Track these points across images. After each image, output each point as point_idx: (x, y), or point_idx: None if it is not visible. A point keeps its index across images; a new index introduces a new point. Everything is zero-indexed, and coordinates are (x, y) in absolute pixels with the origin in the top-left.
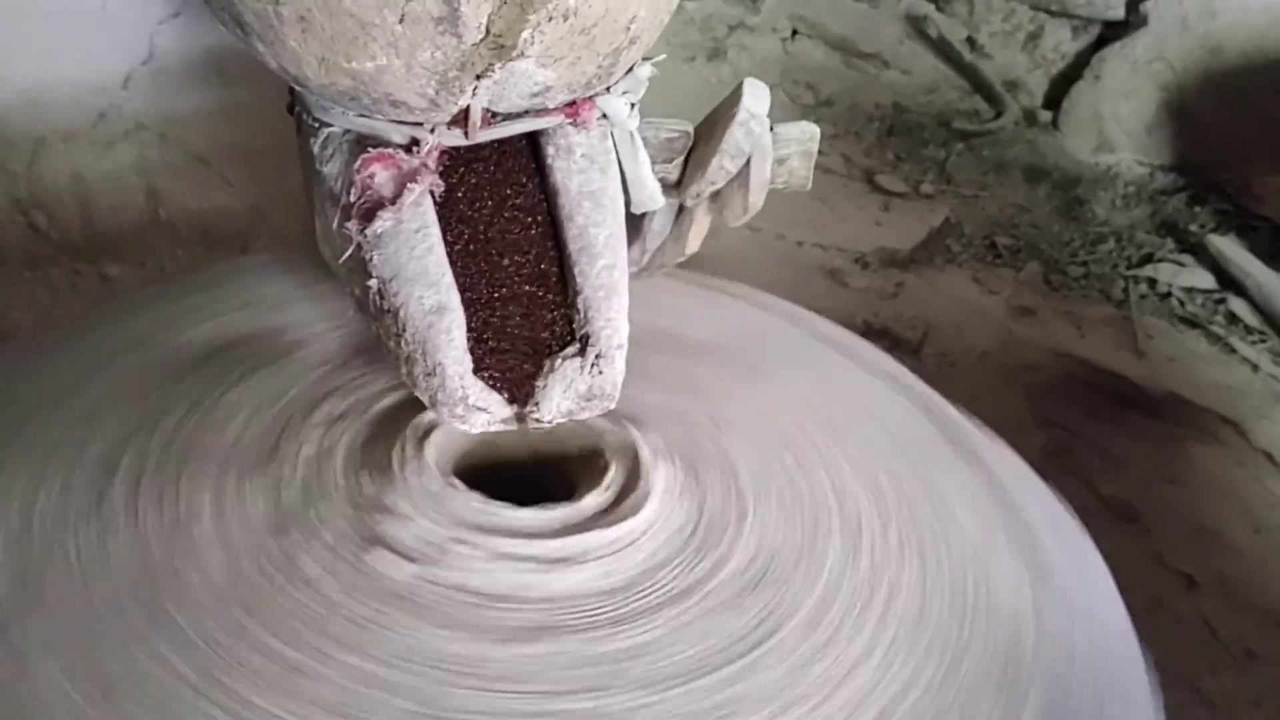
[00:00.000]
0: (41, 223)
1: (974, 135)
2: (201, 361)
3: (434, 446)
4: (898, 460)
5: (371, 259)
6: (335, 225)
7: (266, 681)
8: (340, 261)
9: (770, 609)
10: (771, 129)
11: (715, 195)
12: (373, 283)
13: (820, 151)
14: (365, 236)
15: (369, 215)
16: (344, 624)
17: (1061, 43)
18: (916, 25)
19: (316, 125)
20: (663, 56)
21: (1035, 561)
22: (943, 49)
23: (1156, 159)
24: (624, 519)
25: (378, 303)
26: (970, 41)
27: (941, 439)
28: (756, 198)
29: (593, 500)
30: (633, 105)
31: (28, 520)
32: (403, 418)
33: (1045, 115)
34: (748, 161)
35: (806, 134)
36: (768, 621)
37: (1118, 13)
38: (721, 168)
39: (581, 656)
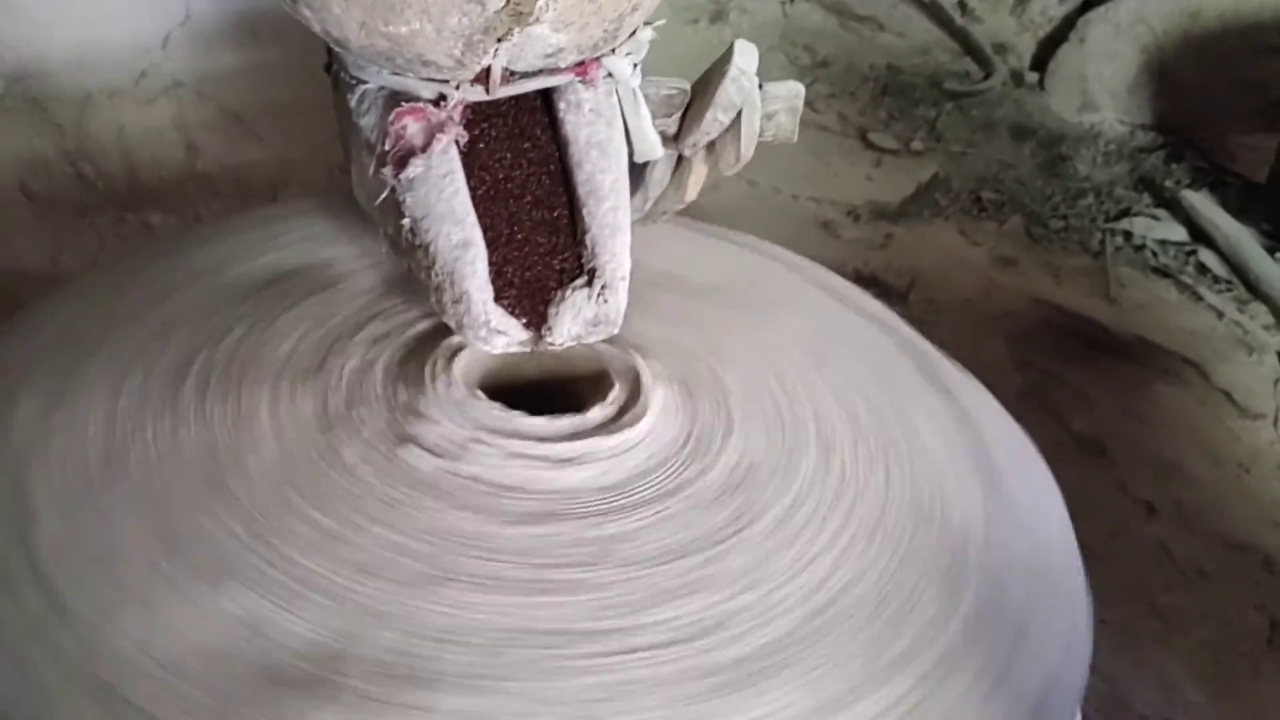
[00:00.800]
0: (89, 173)
1: (963, 95)
2: (261, 288)
3: (461, 364)
4: (875, 390)
5: (404, 201)
6: (371, 172)
7: (308, 545)
8: (375, 204)
9: (744, 509)
10: (761, 87)
11: (710, 146)
12: (406, 222)
13: (816, 110)
14: (399, 181)
15: (402, 162)
16: (376, 503)
17: (1048, 7)
18: None
19: (354, 83)
20: (663, 21)
21: (991, 482)
22: (935, 13)
23: (1137, 118)
24: (623, 429)
25: (410, 240)
26: (961, 6)
27: (919, 374)
28: (747, 148)
29: (597, 413)
30: (635, 65)
31: (112, 412)
32: (433, 341)
33: (1032, 76)
34: (739, 115)
35: (793, 91)
36: (741, 518)
37: None
38: (715, 120)
39: (576, 538)
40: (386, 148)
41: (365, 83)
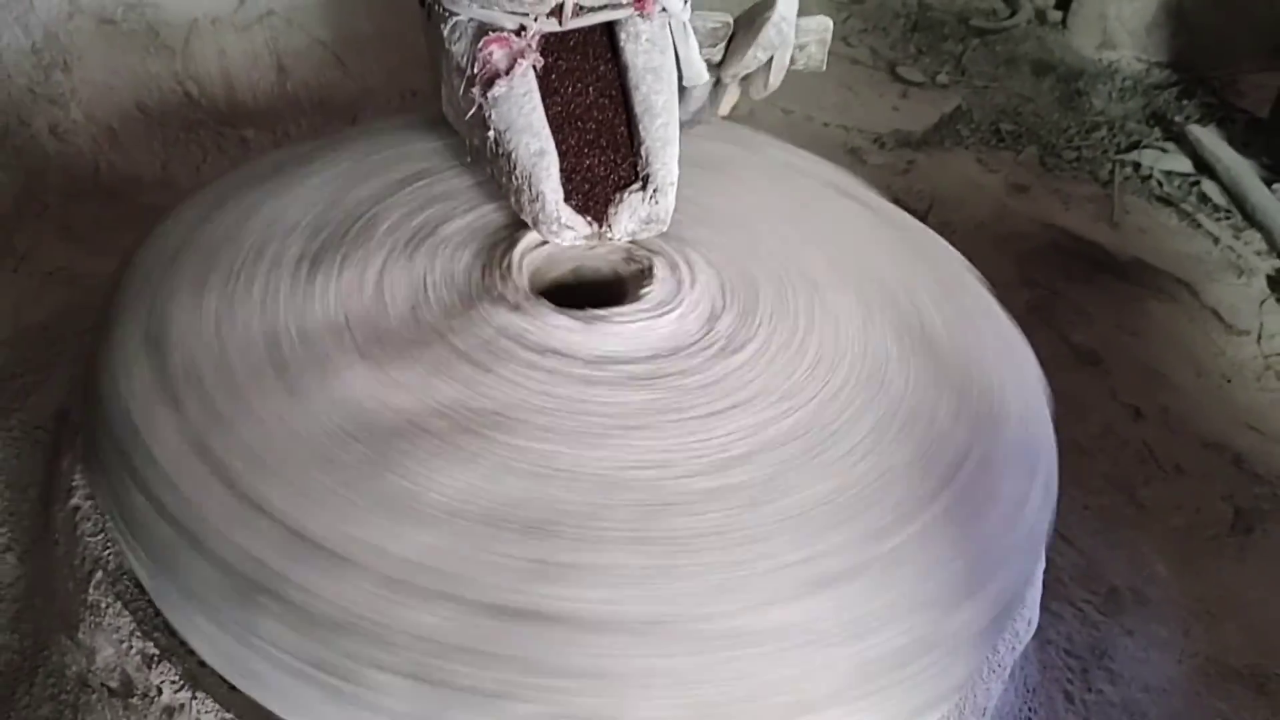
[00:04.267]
0: (194, 91)
1: (989, 32)
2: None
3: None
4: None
5: (490, 116)
6: (461, 92)
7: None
8: (465, 119)
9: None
10: (795, 21)
11: (745, 75)
12: (490, 134)
13: (849, 44)
14: (485, 99)
15: (489, 83)
16: (460, 323)
17: None
18: None
19: (447, 15)
20: None
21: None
22: None
23: (1153, 56)
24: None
25: (494, 149)
26: None
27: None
28: (776, 79)
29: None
30: (685, 2)
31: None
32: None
33: (1055, 15)
34: (777, 49)
35: (823, 25)
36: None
37: None
38: (755, 57)
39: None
40: (475, 71)
41: (457, 15)
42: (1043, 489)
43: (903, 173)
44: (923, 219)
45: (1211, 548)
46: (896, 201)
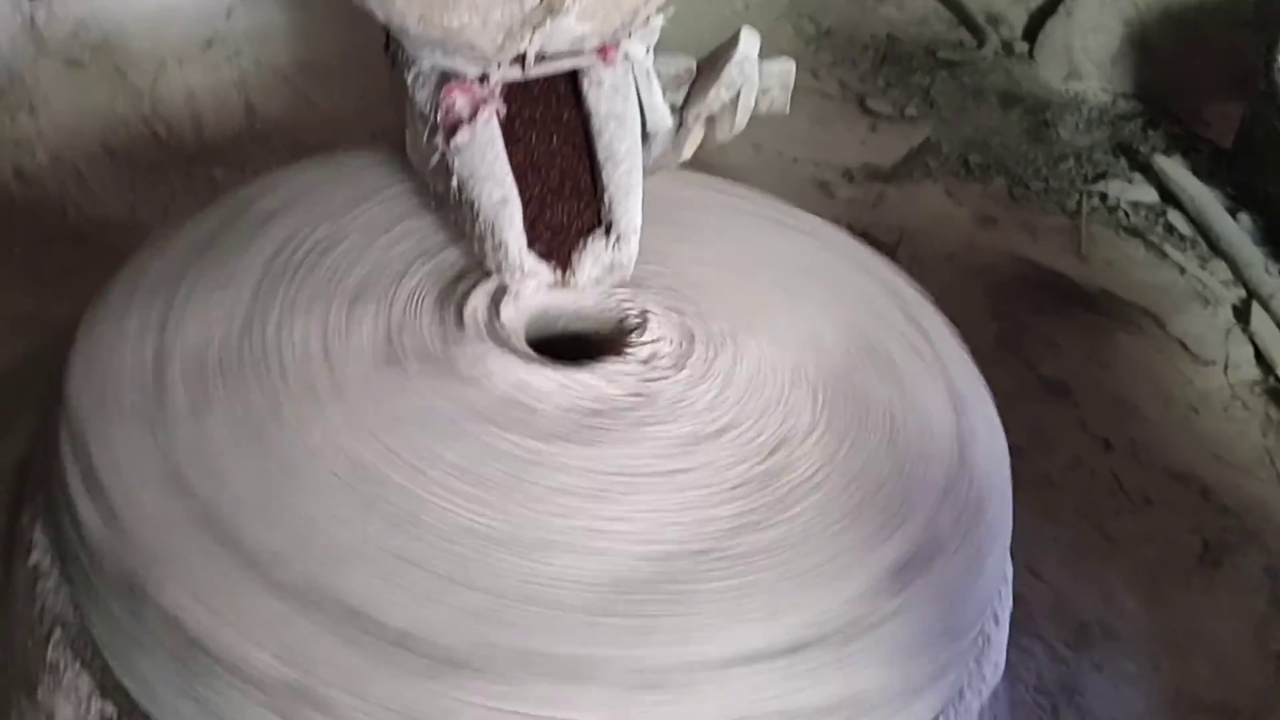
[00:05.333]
0: (162, 132)
1: (957, 64)
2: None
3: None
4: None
5: (453, 164)
6: (425, 139)
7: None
8: (429, 167)
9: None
10: (759, 64)
11: (710, 116)
12: (454, 181)
13: (818, 78)
14: (449, 147)
15: (452, 130)
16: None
17: None
18: None
19: (410, 62)
20: (672, 10)
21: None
22: None
23: (1119, 87)
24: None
25: (457, 196)
26: None
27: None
28: (742, 120)
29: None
30: (649, 48)
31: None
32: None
33: (1022, 46)
34: (739, 91)
35: (786, 69)
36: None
37: None
38: (719, 98)
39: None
40: (438, 118)
41: (420, 63)
42: (999, 549)
43: (872, 206)
44: (892, 252)
45: (1179, 580)
46: (865, 235)
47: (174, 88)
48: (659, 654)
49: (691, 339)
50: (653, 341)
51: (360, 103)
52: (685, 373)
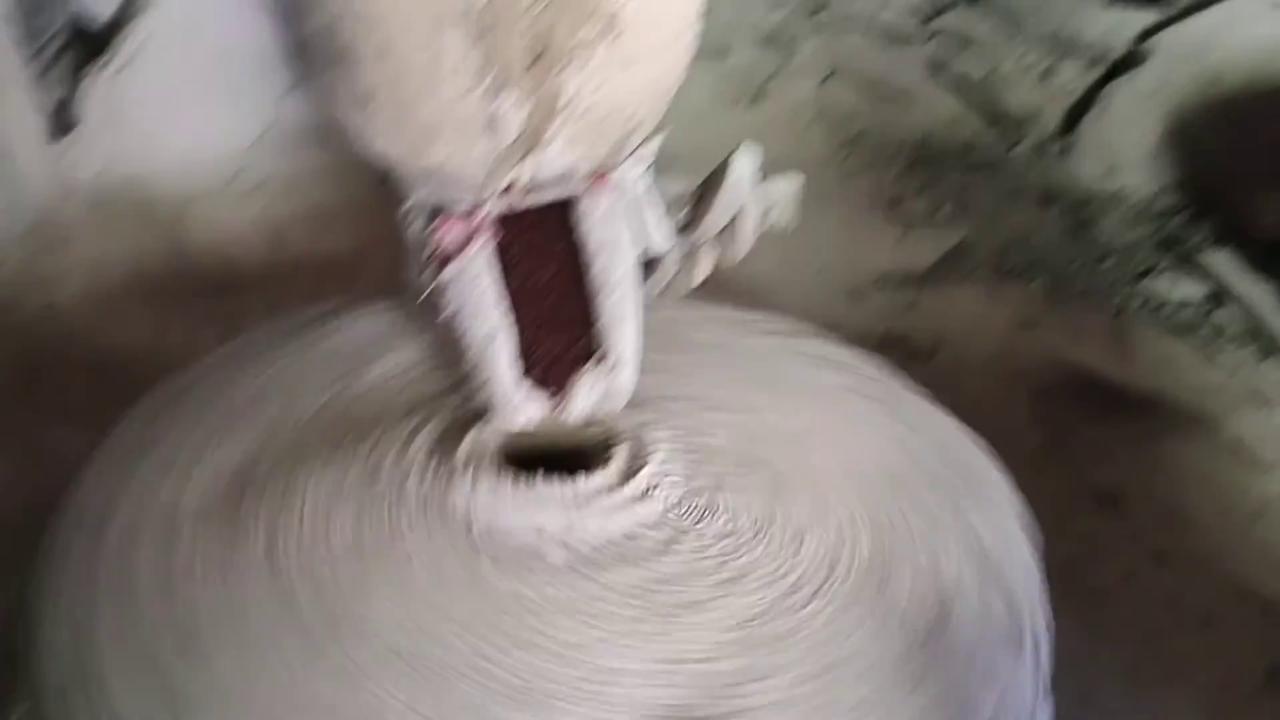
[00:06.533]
0: (188, 265)
1: (991, 164)
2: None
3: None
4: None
5: (445, 297)
6: (418, 273)
7: None
8: (420, 300)
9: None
10: (762, 181)
11: (715, 237)
12: (446, 315)
13: (848, 183)
14: (439, 281)
15: (442, 264)
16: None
17: (1072, 78)
18: (938, 67)
19: (404, 195)
20: (665, 133)
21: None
22: (963, 87)
23: (1161, 181)
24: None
25: (451, 329)
26: (989, 79)
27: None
28: (749, 239)
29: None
30: (643, 173)
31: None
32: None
33: (1057, 144)
34: (741, 210)
35: (790, 185)
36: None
37: (1124, 50)
38: (720, 217)
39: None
40: (428, 253)
41: (411, 196)
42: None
43: (907, 312)
44: (929, 359)
45: (1244, 707)
46: (900, 342)
47: (200, 221)
48: None
49: (700, 475)
50: (655, 475)
51: (386, 233)
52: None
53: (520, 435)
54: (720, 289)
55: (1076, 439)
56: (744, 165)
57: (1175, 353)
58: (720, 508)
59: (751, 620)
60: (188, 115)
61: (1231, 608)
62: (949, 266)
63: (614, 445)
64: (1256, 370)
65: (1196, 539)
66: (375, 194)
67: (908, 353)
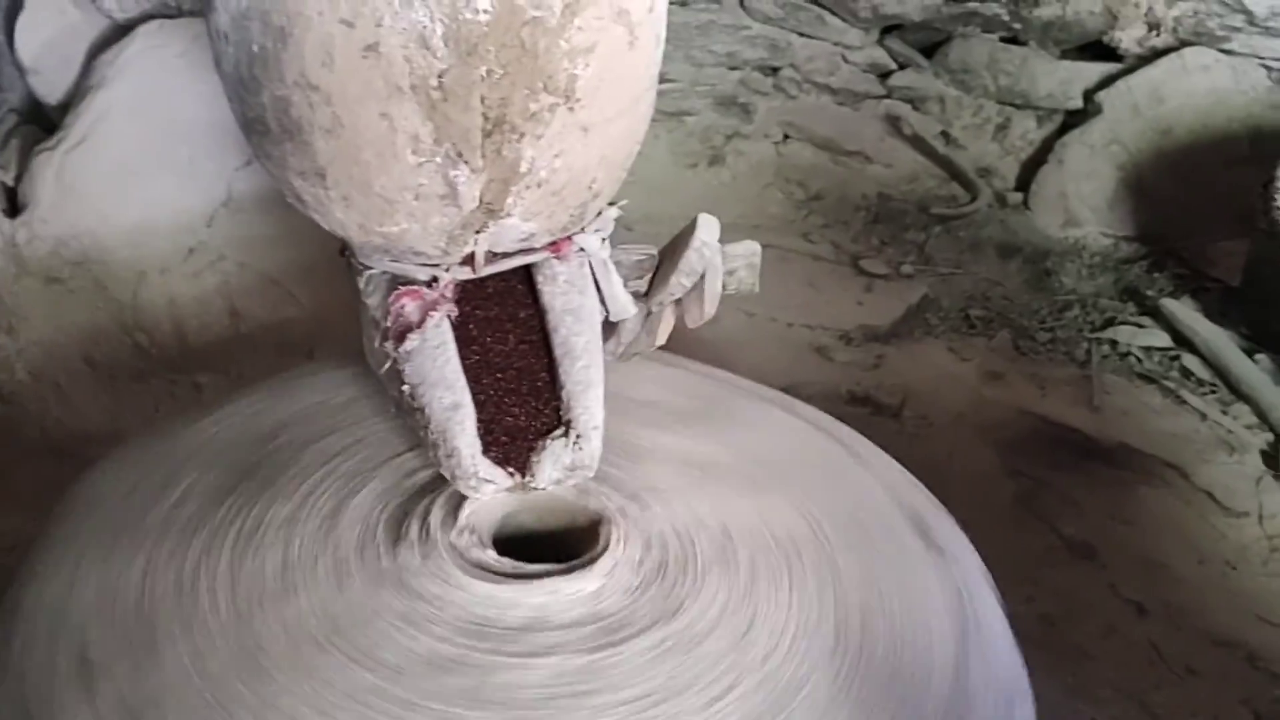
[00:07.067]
0: (144, 342)
1: (951, 218)
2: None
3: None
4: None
5: (404, 370)
6: (377, 344)
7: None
8: (381, 371)
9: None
10: (722, 248)
11: (677, 301)
12: (406, 388)
13: (811, 241)
14: (399, 353)
15: (401, 337)
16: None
17: (1028, 131)
18: (895, 124)
19: (361, 268)
20: (626, 201)
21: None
22: (920, 143)
23: (1119, 231)
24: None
25: (409, 403)
26: (945, 135)
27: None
28: (710, 306)
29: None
30: (604, 239)
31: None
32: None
33: (1015, 197)
34: (702, 277)
35: (750, 250)
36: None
37: (1076, 103)
38: (680, 284)
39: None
40: (388, 324)
41: (370, 268)
42: None
43: (873, 368)
44: (897, 414)
45: None
46: (868, 398)
47: (156, 297)
48: None
49: (662, 548)
50: (618, 548)
51: (346, 299)
52: (654, 591)
53: (488, 518)
54: (687, 349)
55: (1049, 492)
56: (706, 233)
57: (1143, 401)
58: (679, 589)
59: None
60: (141, 191)
61: (1214, 658)
62: (913, 322)
63: (578, 519)
64: (1223, 416)
65: (1174, 589)
66: (333, 261)
67: (875, 408)
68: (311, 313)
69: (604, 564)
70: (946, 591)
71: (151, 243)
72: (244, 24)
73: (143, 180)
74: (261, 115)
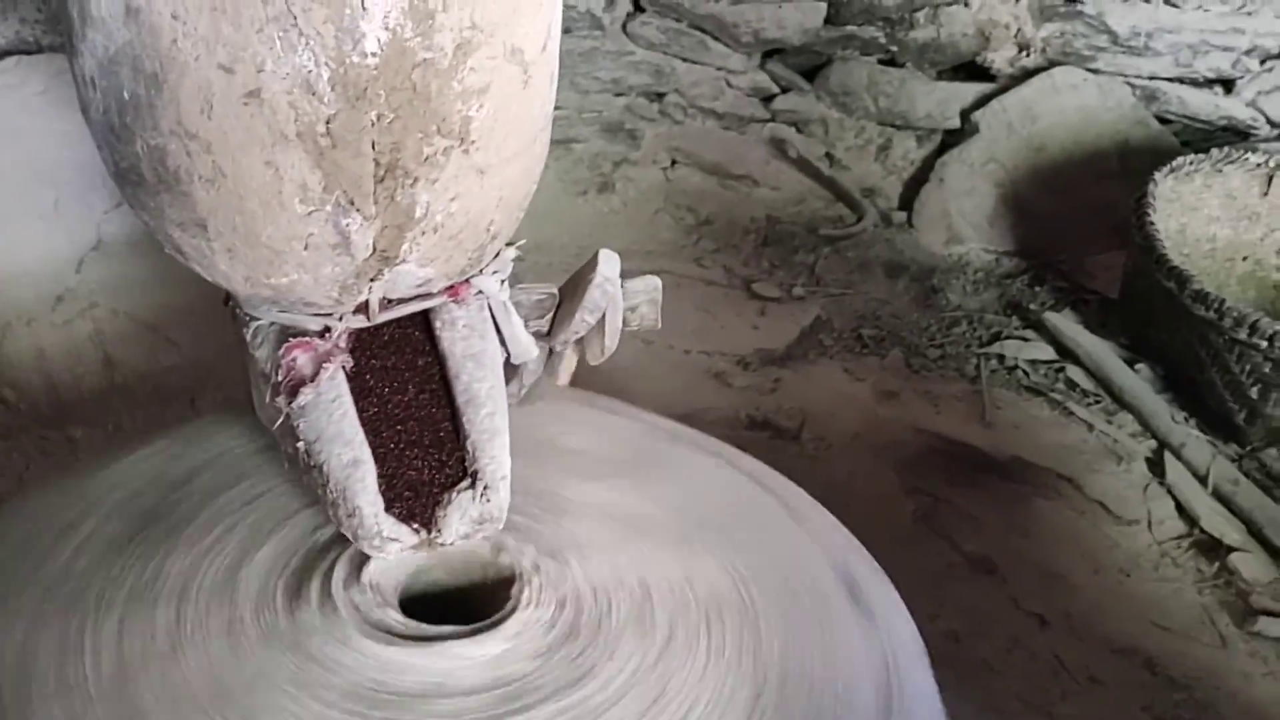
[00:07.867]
0: (10, 397)
1: (839, 239)
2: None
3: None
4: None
5: (298, 426)
6: (267, 399)
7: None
8: (274, 428)
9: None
10: (623, 283)
11: (579, 340)
12: (300, 444)
13: (703, 265)
14: (292, 409)
15: (294, 391)
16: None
17: (909, 151)
18: (780, 147)
19: (247, 319)
20: (524, 241)
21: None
22: (805, 165)
23: (1000, 247)
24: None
25: (305, 460)
26: (829, 157)
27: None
28: (612, 341)
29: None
30: (503, 281)
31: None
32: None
33: (900, 216)
34: (604, 313)
35: (651, 285)
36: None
37: (954, 123)
38: (583, 320)
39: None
40: (279, 378)
41: (257, 319)
42: None
43: (770, 391)
44: (796, 436)
45: None
46: (766, 423)
47: (22, 349)
48: None
49: (576, 608)
50: (528, 609)
51: (229, 342)
52: (561, 654)
53: (392, 578)
54: (585, 380)
55: (948, 508)
56: (608, 268)
57: (1032, 414)
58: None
59: None
60: (2, 238)
61: (1115, 666)
62: (807, 343)
63: (488, 574)
64: (1109, 425)
65: (1073, 599)
66: (212, 303)
67: (775, 432)
68: (192, 359)
69: (511, 626)
70: (873, 659)
71: (14, 292)
72: (113, 70)
73: (3, 227)
74: (135, 165)
